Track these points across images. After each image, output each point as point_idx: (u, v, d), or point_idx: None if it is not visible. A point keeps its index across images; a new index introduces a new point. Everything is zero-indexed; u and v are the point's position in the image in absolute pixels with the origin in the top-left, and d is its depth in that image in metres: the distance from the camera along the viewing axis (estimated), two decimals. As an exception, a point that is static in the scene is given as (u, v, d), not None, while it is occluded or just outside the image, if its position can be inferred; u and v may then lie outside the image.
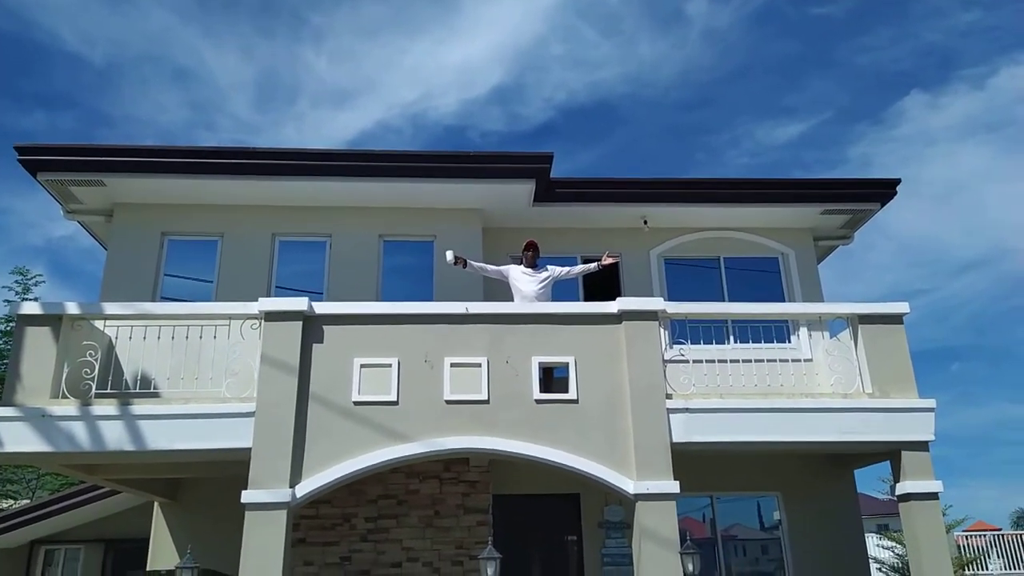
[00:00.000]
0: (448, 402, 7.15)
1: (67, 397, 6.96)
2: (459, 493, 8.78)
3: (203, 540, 8.20)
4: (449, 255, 8.32)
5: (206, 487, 9.18)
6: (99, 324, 7.62)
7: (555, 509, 9.31)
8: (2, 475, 17.48)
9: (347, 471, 6.86)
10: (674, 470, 6.99)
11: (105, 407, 6.89)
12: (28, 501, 15.14)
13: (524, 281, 8.47)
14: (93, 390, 7.02)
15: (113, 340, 7.76)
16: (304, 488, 6.75)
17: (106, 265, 9.64)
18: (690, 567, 6.36)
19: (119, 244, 9.75)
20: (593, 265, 8.81)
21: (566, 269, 8.73)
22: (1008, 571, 19.63)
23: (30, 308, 7.36)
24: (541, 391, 7.25)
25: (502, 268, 8.73)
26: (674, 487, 6.91)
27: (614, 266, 10.42)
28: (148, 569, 8.83)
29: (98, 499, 11.29)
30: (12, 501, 16.75)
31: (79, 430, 6.80)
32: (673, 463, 7.02)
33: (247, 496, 6.62)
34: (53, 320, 7.16)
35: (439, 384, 7.19)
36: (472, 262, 8.57)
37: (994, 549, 20.24)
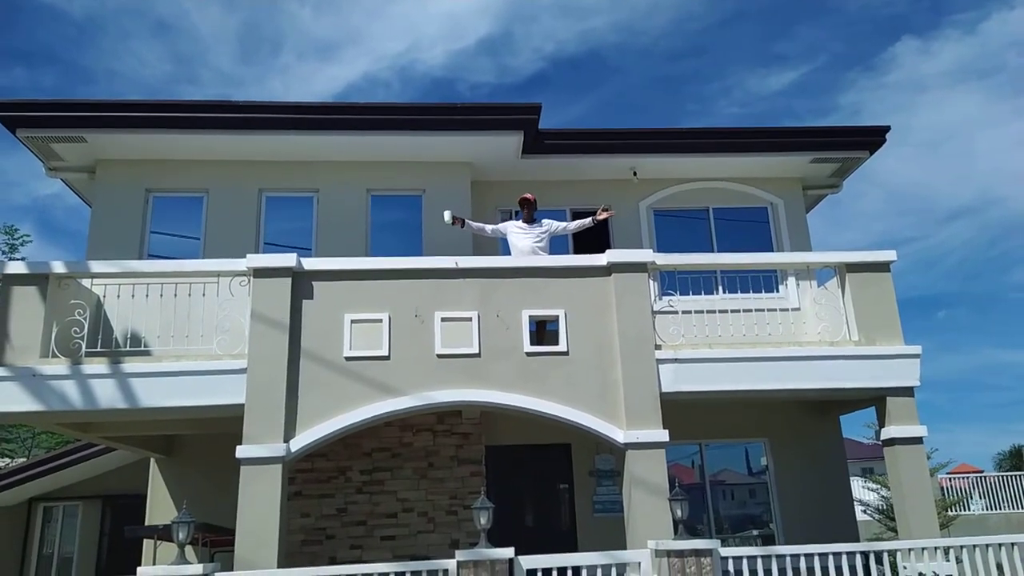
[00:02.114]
0: (439, 356, 7.18)
1: (57, 356, 6.95)
2: (452, 445, 8.90)
3: (200, 495, 8.32)
4: (447, 215, 8.26)
5: (201, 443, 9.25)
6: (87, 283, 7.58)
7: (547, 459, 9.45)
8: (-2, 434, 17.56)
9: (340, 425, 6.92)
10: (663, 419, 7.09)
11: (96, 366, 6.89)
12: (25, 459, 15.24)
13: (520, 236, 8.43)
14: (83, 349, 7.02)
15: (101, 298, 7.74)
16: (298, 442, 6.82)
17: (91, 223, 9.54)
18: (679, 512, 6.48)
19: (103, 202, 9.65)
20: (588, 220, 8.72)
21: (563, 224, 8.68)
22: (989, 511, 20.13)
23: (16, 268, 7.30)
24: (532, 343, 7.30)
25: (499, 226, 8.69)
26: (663, 436, 7.01)
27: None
28: (146, 524, 8.95)
29: (94, 456, 11.41)
30: (9, 460, 16.85)
31: (70, 389, 6.81)
32: (662, 412, 7.12)
33: (242, 451, 6.68)
34: (40, 279, 7.11)
35: (430, 338, 7.22)
36: (470, 222, 8.52)
37: (976, 490, 20.72)
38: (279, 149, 9.70)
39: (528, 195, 8.63)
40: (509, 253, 8.62)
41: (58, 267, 7.21)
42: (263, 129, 9.34)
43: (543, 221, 8.60)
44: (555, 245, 9.11)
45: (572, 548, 8.79)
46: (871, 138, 10.42)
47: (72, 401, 6.81)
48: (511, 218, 8.89)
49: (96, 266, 7.49)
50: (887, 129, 10.37)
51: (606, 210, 8.74)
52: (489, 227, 8.66)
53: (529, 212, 8.55)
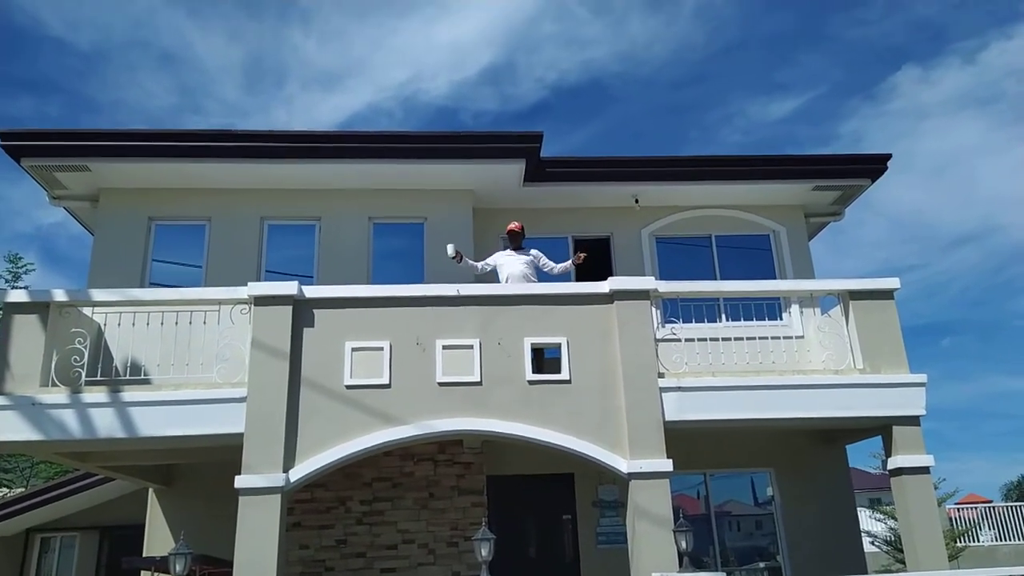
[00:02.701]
0: (441, 384, 7.13)
1: (57, 385, 6.90)
2: (453, 475, 8.79)
3: (198, 526, 8.19)
4: (450, 248, 8.32)
5: (200, 473, 9.16)
6: (87, 311, 7.56)
7: (549, 489, 9.34)
8: (-4, 464, 17.45)
9: (341, 455, 6.84)
10: (667, 448, 7.01)
11: (95, 394, 6.84)
12: (23, 490, 15.10)
13: (510, 262, 8.54)
14: (83, 377, 6.98)
15: (102, 327, 7.71)
16: (298, 472, 6.74)
17: (93, 251, 9.54)
18: (683, 544, 6.38)
19: (106, 230, 9.66)
20: (568, 263, 8.77)
21: (551, 264, 8.71)
22: (999, 542, 19.84)
23: (17, 296, 7.28)
24: (533, 372, 7.25)
25: (488, 260, 8.75)
26: (667, 465, 6.93)
27: (606, 246, 10.54)
28: (144, 555, 8.83)
29: (93, 487, 11.29)
30: (7, 490, 16.71)
31: (70, 418, 6.76)
32: (666, 441, 7.04)
33: (240, 481, 6.61)
34: (40, 307, 7.09)
35: (431, 366, 7.17)
36: (467, 259, 8.59)
37: (986, 521, 20.44)
38: (281, 177, 9.73)
39: (514, 225, 8.75)
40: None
41: (59, 295, 7.19)
42: (265, 157, 9.38)
43: (531, 251, 8.71)
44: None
45: (575, 580, 8.67)
46: (873, 166, 10.44)
47: (71, 430, 6.75)
48: (508, 246, 8.93)
49: (97, 294, 7.47)
50: (888, 157, 10.40)
51: (580, 255, 8.73)
52: (479, 264, 8.70)
53: (517, 242, 8.68)
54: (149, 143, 9.26)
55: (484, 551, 6.14)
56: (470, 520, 8.45)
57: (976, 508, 21.29)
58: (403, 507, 8.65)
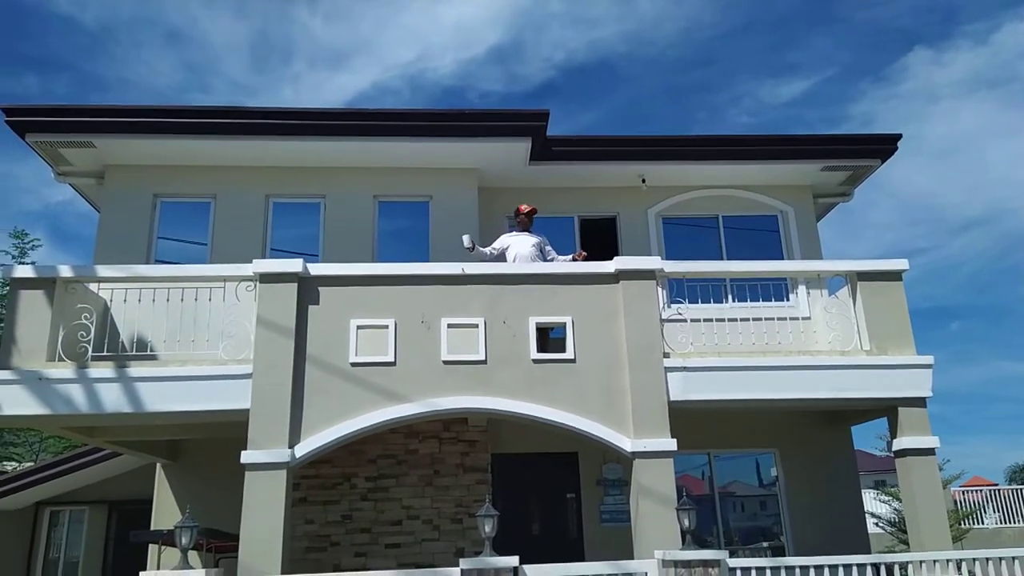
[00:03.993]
0: (445, 362, 7.14)
1: (63, 360, 6.94)
2: (458, 452, 8.83)
3: (205, 500, 8.28)
4: (466, 239, 8.34)
5: (207, 448, 9.21)
6: (94, 287, 7.58)
7: (554, 467, 9.38)
8: (5, 438, 17.59)
9: (346, 431, 6.88)
10: (672, 428, 7.02)
11: (102, 370, 6.88)
12: (32, 464, 15.25)
13: (516, 243, 8.56)
14: (89, 353, 7.01)
15: (108, 303, 7.73)
16: (303, 448, 6.78)
17: (99, 228, 9.56)
18: (686, 523, 6.40)
19: (111, 206, 9.67)
20: (568, 257, 8.79)
21: (554, 255, 8.72)
22: (1004, 525, 19.86)
23: (23, 271, 7.32)
24: (538, 351, 7.25)
25: (495, 244, 8.75)
26: (671, 445, 6.94)
27: (612, 226, 10.54)
28: (152, 529, 8.92)
29: (101, 461, 11.39)
30: (16, 464, 16.87)
31: (76, 393, 6.80)
32: (671, 421, 7.04)
33: (246, 456, 6.65)
34: (47, 283, 7.12)
35: (436, 345, 7.18)
36: (480, 247, 8.59)
37: (990, 504, 20.43)
38: (287, 155, 9.69)
39: (528, 207, 8.79)
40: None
41: (65, 271, 7.22)
42: (271, 135, 9.34)
43: (539, 235, 8.74)
44: (563, 251, 9.09)
45: (579, 557, 8.72)
46: (882, 146, 10.34)
47: (78, 405, 6.80)
48: (515, 227, 8.93)
49: (103, 270, 7.50)
50: (898, 137, 10.29)
51: (580, 254, 8.81)
52: (487, 249, 8.68)
53: (528, 223, 8.74)
54: (154, 119, 9.23)
55: (488, 527, 6.17)
56: (474, 497, 8.49)
57: (980, 491, 21.28)
58: (408, 484, 8.70)
